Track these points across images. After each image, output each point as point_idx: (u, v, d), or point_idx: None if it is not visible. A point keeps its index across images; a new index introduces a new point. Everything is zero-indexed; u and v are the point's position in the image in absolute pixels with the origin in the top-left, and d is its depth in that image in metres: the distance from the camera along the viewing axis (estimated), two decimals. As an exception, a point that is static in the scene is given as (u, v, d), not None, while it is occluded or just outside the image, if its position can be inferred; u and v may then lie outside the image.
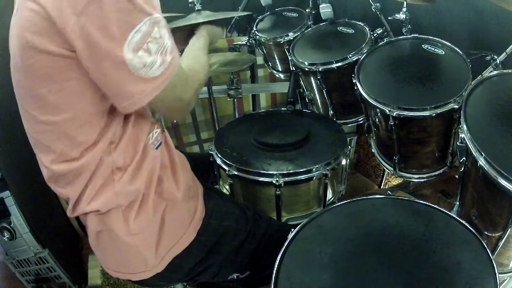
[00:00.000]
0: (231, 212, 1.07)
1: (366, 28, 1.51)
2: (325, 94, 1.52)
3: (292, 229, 0.88)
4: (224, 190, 1.31)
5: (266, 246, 1.07)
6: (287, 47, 1.69)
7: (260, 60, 2.17)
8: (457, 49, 1.20)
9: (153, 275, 0.94)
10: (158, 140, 0.91)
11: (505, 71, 1.04)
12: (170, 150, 0.97)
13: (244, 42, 2.00)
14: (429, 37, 1.29)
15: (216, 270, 1.04)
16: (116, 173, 0.82)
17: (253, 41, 1.92)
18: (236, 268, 1.07)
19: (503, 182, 0.77)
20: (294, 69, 1.58)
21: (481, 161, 0.82)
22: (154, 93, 0.75)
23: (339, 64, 1.39)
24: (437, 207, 0.88)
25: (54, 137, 0.79)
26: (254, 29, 1.90)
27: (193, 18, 1.35)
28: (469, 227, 0.82)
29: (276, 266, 0.79)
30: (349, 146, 1.39)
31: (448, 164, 1.24)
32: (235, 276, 1.08)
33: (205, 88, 2.06)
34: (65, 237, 1.79)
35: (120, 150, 0.81)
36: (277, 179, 1.13)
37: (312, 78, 1.52)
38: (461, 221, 0.84)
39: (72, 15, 0.65)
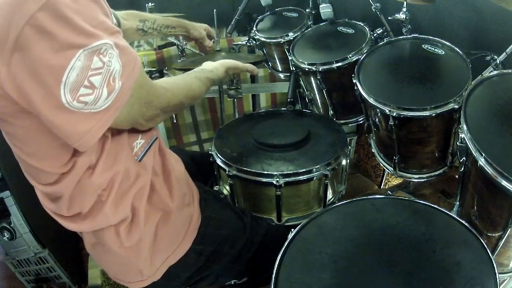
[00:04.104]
0: (228, 220, 1.06)
1: (366, 28, 1.51)
2: (325, 94, 1.52)
3: (292, 229, 0.88)
4: (224, 191, 1.31)
5: (264, 253, 1.06)
6: (287, 47, 1.69)
7: (259, 60, 2.17)
8: (457, 49, 1.20)
9: (151, 283, 0.93)
10: (142, 151, 0.87)
11: (505, 71, 1.04)
12: (163, 156, 0.95)
13: (244, 42, 2.00)
14: (429, 37, 1.29)
15: (214, 278, 1.04)
16: (102, 195, 0.80)
17: (253, 41, 1.92)
18: (234, 275, 1.07)
19: (503, 182, 0.77)
20: (294, 69, 1.58)
21: (481, 161, 0.82)
22: (104, 128, 0.69)
23: (339, 64, 1.39)
24: (437, 207, 0.89)
25: (23, 164, 0.80)
26: (254, 29, 1.90)
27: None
28: (469, 227, 0.82)
29: (276, 266, 0.79)
30: (349, 146, 1.39)
31: (448, 164, 1.24)
32: (232, 282, 1.08)
33: (214, 87, 2.06)
34: (65, 237, 1.79)
35: (99, 172, 0.78)
36: (278, 179, 1.13)
37: (312, 78, 1.52)
38: (461, 221, 0.84)
39: (2, 66, 0.61)
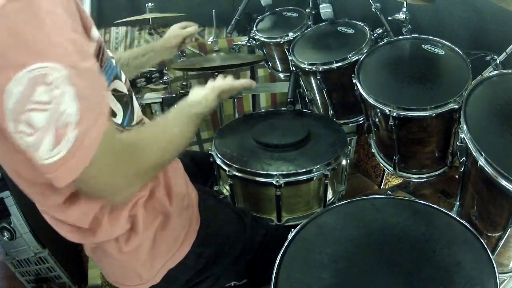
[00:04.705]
0: (228, 221, 1.05)
1: (366, 28, 1.51)
2: (325, 94, 1.52)
3: (292, 229, 0.88)
4: (224, 191, 1.30)
5: (263, 254, 1.06)
6: (287, 47, 1.69)
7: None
8: (457, 49, 1.20)
9: (150, 287, 0.93)
10: None
11: (505, 71, 1.04)
12: None
13: (244, 42, 2.00)
14: (429, 37, 1.29)
15: (214, 280, 1.03)
16: (100, 213, 0.78)
17: (253, 41, 1.92)
18: (234, 277, 1.06)
19: (503, 182, 0.77)
20: (294, 69, 1.58)
21: (481, 161, 0.82)
22: (65, 182, 0.56)
23: (339, 64, 1.39)
24: (437, 207, 0.88)
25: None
26: (254, 29, 1.90)
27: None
28: (469, 227, 0.82)
29: (276, 266, 0.79)
30: (349, 146, 1.39)
31: (448, 164, 1.24)
32: (232, 284, 1.08)
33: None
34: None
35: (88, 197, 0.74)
36: (278, 179, 1.13)
37: (312, 78, 1.52)
38: (461, 221, 0.84)
39: None
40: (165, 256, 0.92)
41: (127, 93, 0.82)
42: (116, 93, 0.78)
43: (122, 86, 0.80)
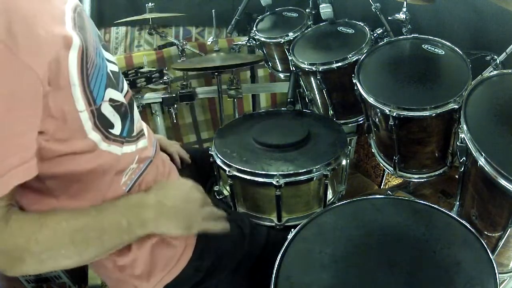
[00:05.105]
0: (226, 233, 1.04)
1: (366, 28, 1.51)
2: (325, 94, 1.52)
3: (292, 229, 0.88)
4: (224, 191, 1.30)
5: (262, 263, 1.04)
6: (287, 47, 1.69)
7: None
8: (457, 49, 1.20)
9: None
10: (132, 180, 0.82)
11: (505, 71, 1.04)
12: (160, 174, 0.92)
13: (244, 42, 2.00)
14: (429, 37, 1.29)
15: None
16: None
17: (253, 41, 1.92)
18: (233, 286, 1.06)
19: (503, 182, 0.77)
20: (294, 69, 1.58)
21: (481, 161, 0.82)
22: None
23: (339, 64, 1.39)
24: (437, 207, 0.88)
25: None
26: (254, 29, 1.90)
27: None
28: (469, 227, 0.82)
29: (276, 266, 0.79)
30: (349, 146, 1.39)
31: (448, 164, 1.24)
32: None
33: (213, 87, 2.05)
34: (65, 237, 1.78)
35: None
36: (278, 179, 1.13)
37: (312, 78, 1.52)
38: (461, 221, 0.84)
39: None
40: (162, 271, 0.90)
41: (124, 102, 0.80)
42: (112, 102, 0.75)
43: (118, 95, 0.78)
